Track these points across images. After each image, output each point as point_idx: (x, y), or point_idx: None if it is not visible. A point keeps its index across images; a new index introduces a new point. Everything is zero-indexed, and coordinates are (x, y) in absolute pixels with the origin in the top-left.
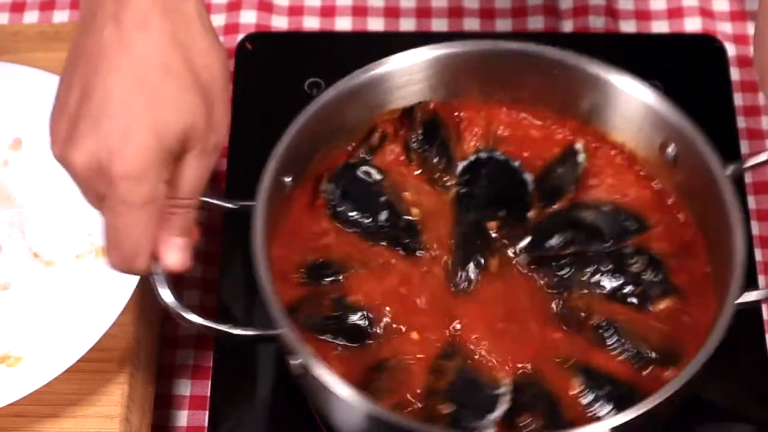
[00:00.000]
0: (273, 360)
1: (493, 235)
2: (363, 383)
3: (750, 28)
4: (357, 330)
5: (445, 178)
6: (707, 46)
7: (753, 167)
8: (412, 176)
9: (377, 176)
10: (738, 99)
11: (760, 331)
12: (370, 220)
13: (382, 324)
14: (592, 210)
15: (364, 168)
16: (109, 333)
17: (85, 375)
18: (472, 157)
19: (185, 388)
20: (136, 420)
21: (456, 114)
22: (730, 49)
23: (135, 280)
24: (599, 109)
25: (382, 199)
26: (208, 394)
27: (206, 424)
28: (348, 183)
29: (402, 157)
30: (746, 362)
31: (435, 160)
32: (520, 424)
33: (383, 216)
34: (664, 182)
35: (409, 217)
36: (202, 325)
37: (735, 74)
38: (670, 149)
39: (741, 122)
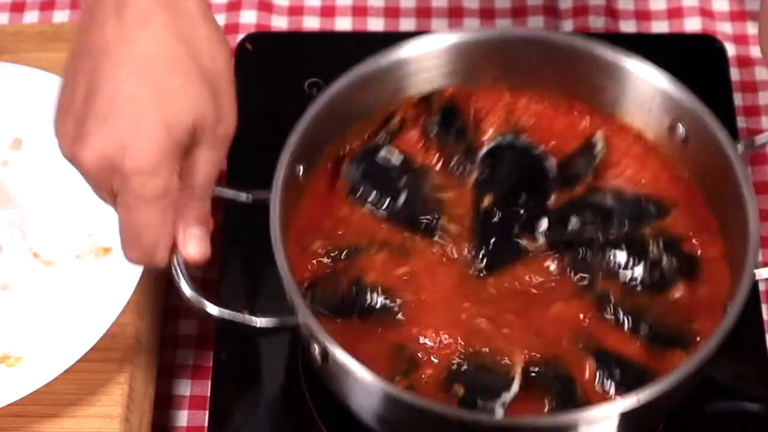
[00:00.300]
0: (273, 359)
1: (512, 219)
2: (378, 365)
3: (750, 28)
4: (373, 311)
5: (463, 165)
6: (707, 46)
7: (765, 145)
8: (430, 161)
9: (397, 160)
10: (738, 99)
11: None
12: (389, 203)
13: (397, 306)
14: (611, 195)
15: (385, 152)
16: (109, 333)
17: (85, 375)
18: (495, 142)
19: (185, 388)
20: (136, 420)
21: (474, 101)
22: (730, 49)
23: (135, 280)
24: (608, 92)
25: (402, 183)
26: (208, 394)
27: (206, 424)
28: (369, 166)
29: (421, 144)
30: (749, 340)
31: (453, 147)
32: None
33: (402, 199)
34: (677, 163)
35: (428, 202)
36: (222, 317)
37: (735, 74)
38: (680, 129)
39: (741, 122)
